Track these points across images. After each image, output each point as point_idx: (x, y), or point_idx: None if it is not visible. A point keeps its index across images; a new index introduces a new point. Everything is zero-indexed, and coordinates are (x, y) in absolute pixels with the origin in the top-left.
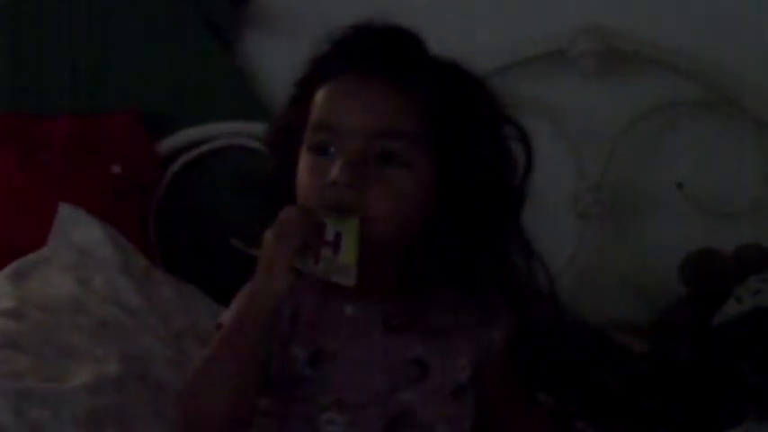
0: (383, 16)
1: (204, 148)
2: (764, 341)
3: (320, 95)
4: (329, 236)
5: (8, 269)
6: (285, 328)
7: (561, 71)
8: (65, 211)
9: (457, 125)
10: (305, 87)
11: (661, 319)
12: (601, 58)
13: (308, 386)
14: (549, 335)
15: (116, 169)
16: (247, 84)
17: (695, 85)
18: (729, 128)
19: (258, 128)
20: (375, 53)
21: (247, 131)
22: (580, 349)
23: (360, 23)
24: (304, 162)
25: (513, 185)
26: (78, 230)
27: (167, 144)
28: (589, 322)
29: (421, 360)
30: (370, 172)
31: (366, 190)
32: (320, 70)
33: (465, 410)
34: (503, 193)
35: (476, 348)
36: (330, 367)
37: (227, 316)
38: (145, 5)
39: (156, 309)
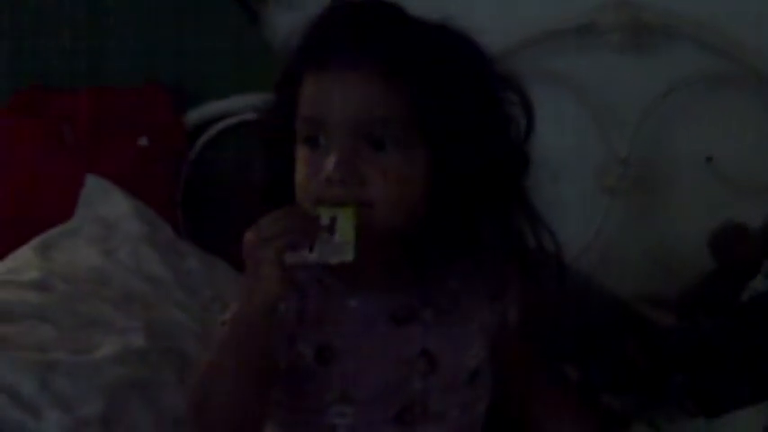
0: None
1: (231, 120)
2: None
3: (305, 88)
4: (324, 222)
5: (35, 241)
6: (291, 326)
7: (589, 45)
8: (91, 182)
9: (445, 99)
10: (291, 78)
11: (688, 294)
12: (629, 32)
13: (316, 381)
14: (564, 303)
15: (143, 141)
16: (275, 56)
17: (724, 60)
18: (758, 102)
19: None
20: (354, 37)
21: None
22: (606, 322)
23: (336, 3)
24: (299, 155)
25: (513, 149)
26: (105, 202)
27: (194, 116)
28: (616, 295)
29: (429, 352)
30: (363, 162)
31: (362, 182)
32: (303, 60)
33: (479, 392)
34: (502, 158)
35: (488, 329)
36: (337, 363)
37: (229, 312)
38: None
39: (182, 280)
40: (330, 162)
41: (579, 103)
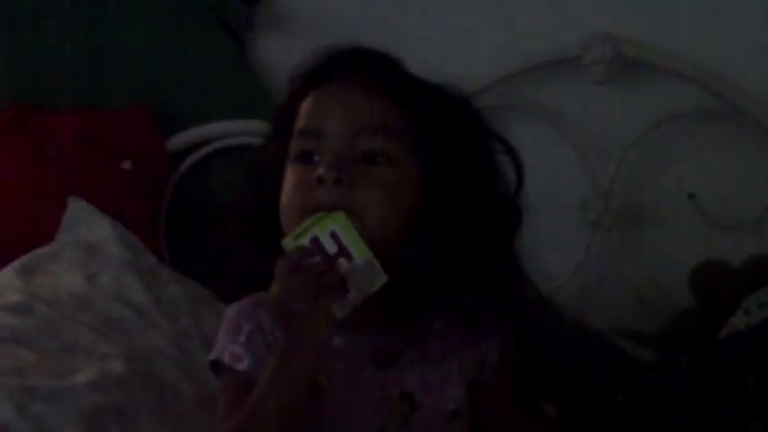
0: (397, 17)
1: (215, 145)
2: None
3: (304, 105)
4: (330, 246)
5: (16, 263)
6: None
7: (573, 78)
8: (74, 206)
9: (440, 124)
10: (290, 105)
11: (668, 330)
12: (613, 66)
13: None
14: (548, 342)
15: (126, 165)
16: (259, 82)
17: (708, 95)
18: (741, 139)
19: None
20: (355, 64)
21: (259, 130)
22: (585, 358)
23: (337, 47)
24: (289, 173)
25: (500, 197)
26: (87, 226)
27: (178, 141)
28: (595, 331)
29: (410, 395)
30: (356, 170)
31: (353, 186)
32: (304, 83)
33: (458, 429)
34: (489, 201)
35: (469, 370)
36: (318, 404)
37: (219, 350)
38: (158, 2)
39: (163, 307)
40: (322, 167)
41: (562, 137)
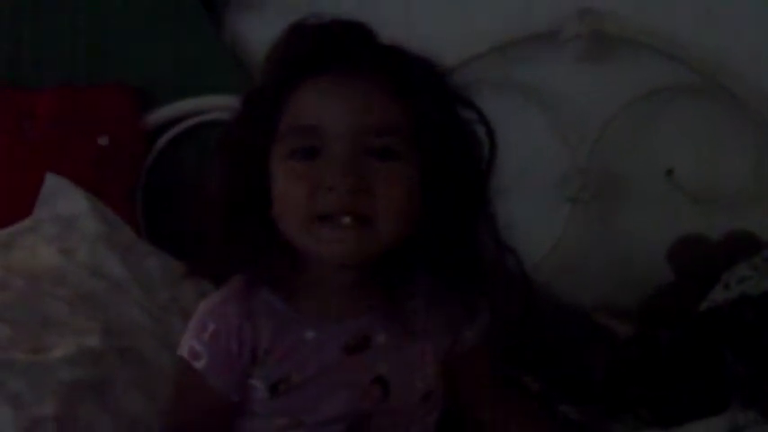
0: None
1: (192, 121)
2: (749, 328)
3: (300, 97)
4: None
5: None
6: (246, 364)
7: (553, 54)
8: (51, 181)
9: (439, 110)
10: (277, 90)
11: (648, 305)
12: (592, 42)
13: (268, 408)
14: (528, 317)
15: (103, 141)
16: (236, 57)
17: (686, 71)
18: (719, 114)
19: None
20: (345, 49)
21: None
22: (566, 333)
23: (309, 21)
24: (287, 171)
25: (479, 166)
26: (63, 201)
27: (155, 117)
28: (575, 306)
29: (383, 378)
30: (367, 171)
31: (369, 192)
32: (290, 74)
33: (432, 407)
34: (475, 179)
35: (442, 348)
36: (291, 396)
37: (182, 343)
38: None
39: (140, 281)
40: (334, 172)
41: (541, 113)
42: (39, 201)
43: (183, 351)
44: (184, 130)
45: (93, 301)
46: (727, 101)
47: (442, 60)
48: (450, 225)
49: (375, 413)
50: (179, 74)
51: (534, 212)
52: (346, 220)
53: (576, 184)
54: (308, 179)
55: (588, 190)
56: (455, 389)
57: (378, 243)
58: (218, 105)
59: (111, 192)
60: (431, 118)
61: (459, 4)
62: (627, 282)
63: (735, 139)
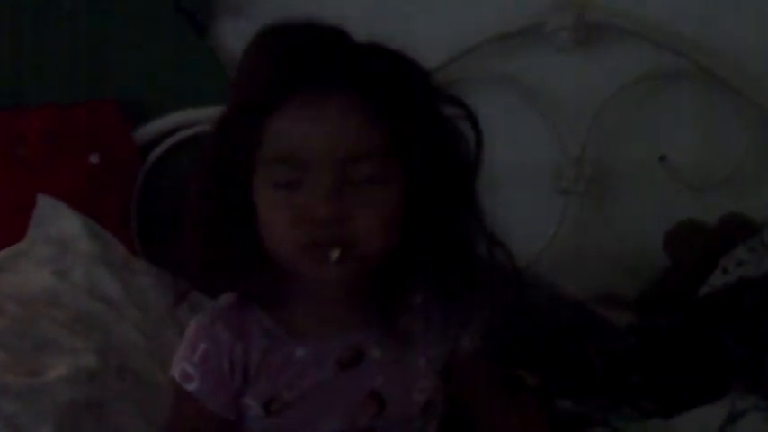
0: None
1: (182, 134)
2: (749, 312)
3: (276, 126)
4: None
5: None
6: (238, 383)
7: (538, 46)
8: (43, 202)
9: (417, 125)
10: (250, 116)
11: (646, 293)
12: (577, 32)
13: (264, 427)
14: (521, 312)
15: (93, 159)
16: (223, 69)
17: (673, 57)
18: (710, 98)
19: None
20: (316, 68)
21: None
22: (563, 325)
23: (280, 29)
24: (269, 200)
25: (467, 166)
26: (56, 222)
27: (145, 132)
28: (573, 297)
29: (378, 393)
30: (351, 198)
31: (353, 218)
32: (265, 97)
33: (431, 416)
34: (462, 180)
35: (439, 359)
36: (285, 414)
37: (174, 364)
38: None
39: (135, 299)
40: (316, 203)
41: (530, 105)
42: (31, 223)
43: (175, 373)
44: (176, 144)
45: (89, 321)
46: (717, 84)
47: (431, 56)
48: (439, 232)
49: (375, 427)
50: (168, 87)
51: (529, 206)
52: (335, 254)
53: (569, 175)
54: (291, 209)
55: (582, 181)
56: (454, 395)
57: (361, 262)
58: (209, 117)
59: (104, 209)
60: (411, 131)
61: (443, 1)
62: (624, 271)
63: (727, 123)
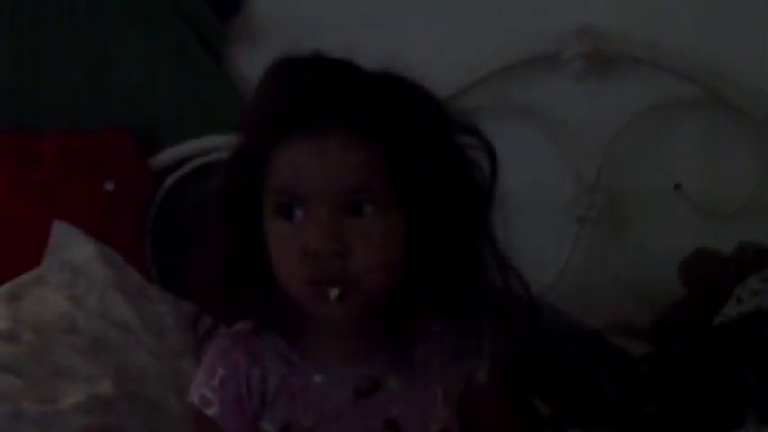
0: (374, 27)
1: (197, 161)
2: (765, 343)
3: (279, 159)
4: None
5: (2, 289)
6: (255, 407)
7: (554, 74)
8: (58, 229)
9: (420, 158)
10: (257, 148)
11: (660, 321)
12: (593, 61)
13: None
14: (540, 341)
15: (109, 186)
16: (239, 96)
17: (689, 86)
18: (725, 127)
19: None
20: (324, 105)
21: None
22: (578, 354)
23: (287, 63)
24: (275, 233)
25: (480, 195)
26: (72, 249)
27: (161, 159)
28: (587, 326)
29: (394, 421)
30: (351, 232)
31: (353, 254)
32: (270, 131)
33: None
34: (471, 207)
35: (455, 389)
36: None
37: (193, 389)
38: (133, 19)
39: (150, 325)
40: (314, 235)
41: (545, 134)
42: (47, 250)
43: (194, 398)
44: (191, 171)
45: (104, 347)
46: (732, 114)
47: (445, 85)
48: (450, 262)
49: None
50: (184, 114)
51: (543, 233)
52: (334, 293)
53: (583, 203)
54: (294, 242)
55: (596, 209)
56: (469, 424)
57: (365, 299)
58: (223, 145)
59: (119, 236)
60: (413, 166)
61: (458, 26)
62: (639, 299)
63: (740, 151)
